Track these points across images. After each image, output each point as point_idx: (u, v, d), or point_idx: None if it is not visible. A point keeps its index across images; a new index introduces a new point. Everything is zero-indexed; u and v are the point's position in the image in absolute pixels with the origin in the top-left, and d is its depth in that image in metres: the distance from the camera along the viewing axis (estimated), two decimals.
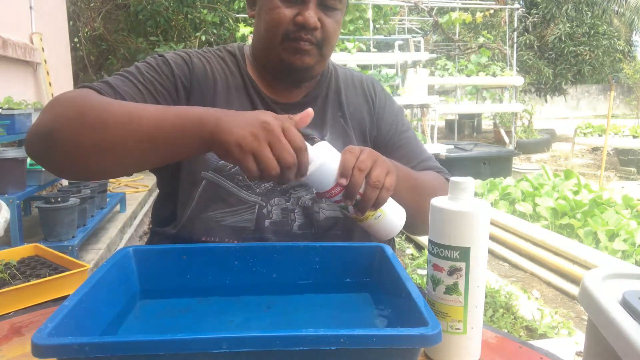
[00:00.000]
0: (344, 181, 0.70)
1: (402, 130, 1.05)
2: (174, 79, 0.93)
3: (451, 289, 0.62)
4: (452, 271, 0.62)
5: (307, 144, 0.69)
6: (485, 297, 2.75)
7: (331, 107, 1.00)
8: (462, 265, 0.61)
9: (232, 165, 0.90)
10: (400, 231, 0.82)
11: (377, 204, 0.73)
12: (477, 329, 0.64)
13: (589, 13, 13.24)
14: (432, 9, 8.41)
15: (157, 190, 0.99)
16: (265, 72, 0.98)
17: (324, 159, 0.71)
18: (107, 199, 3.69)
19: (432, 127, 6.42)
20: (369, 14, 7.11)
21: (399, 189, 0.79)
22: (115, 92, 0.85)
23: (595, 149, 9.46)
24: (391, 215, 0.76)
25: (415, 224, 1.00)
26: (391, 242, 1.06)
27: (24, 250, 1.90)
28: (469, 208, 0.61)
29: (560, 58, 13.48)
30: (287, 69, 0.93)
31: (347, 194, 0.71)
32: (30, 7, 4.35)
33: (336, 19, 0.92)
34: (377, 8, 7.48)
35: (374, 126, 1.04)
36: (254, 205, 0.90)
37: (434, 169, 1.03)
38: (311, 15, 0.87)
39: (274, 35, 0.89)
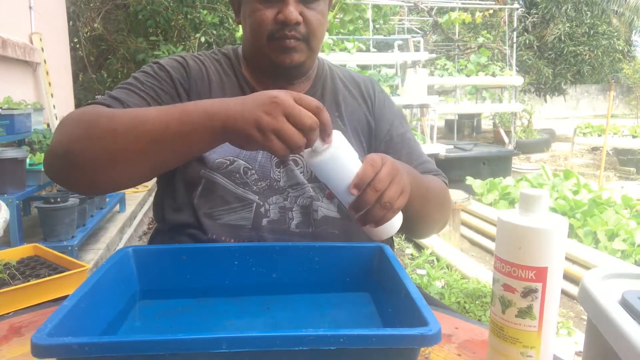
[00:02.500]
0: (355, 192, 0.69)
1: (402, 132, 1.05)
2: (173, 82, 0.93)
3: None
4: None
5: None
6: (484, 295, 2.75)
7: (328, 107, 1.00)
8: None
9: (229, 162, 0.90)
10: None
11: (381, 221, 0.72)
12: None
13: (588, 13, 13.26)
14: (431, 9, 8.40)
15: (156, 189, 0.99)
16: (258, 73, 0.99)
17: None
18: (107, 199, 3.69)
19: (432, 127, 6.41)
20: (369, 14, 7.10)
21: (410, 198, 0.77)
22: (122, 103, 0.85)
23: (594, 149, 9.46)
24: None
25: (419, 230, 1.00)
26: (390, 241, 1.06)
27: (24, 250, 1.91)
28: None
29: (559, 58, 13.49)
30: (278, 69, 0.93)
31: (354, 206, 0.70)
32: (30, 7, 4.35)
33: (319, 10, 0.91)
34: (377, 8, 7.47)
35: (372, 127, 1.04)
36: (251, 204, 0.89)
37: (432, 172, 1.03)
38: (291, 10, 0.86)
39: (259, 37, 0.90)
